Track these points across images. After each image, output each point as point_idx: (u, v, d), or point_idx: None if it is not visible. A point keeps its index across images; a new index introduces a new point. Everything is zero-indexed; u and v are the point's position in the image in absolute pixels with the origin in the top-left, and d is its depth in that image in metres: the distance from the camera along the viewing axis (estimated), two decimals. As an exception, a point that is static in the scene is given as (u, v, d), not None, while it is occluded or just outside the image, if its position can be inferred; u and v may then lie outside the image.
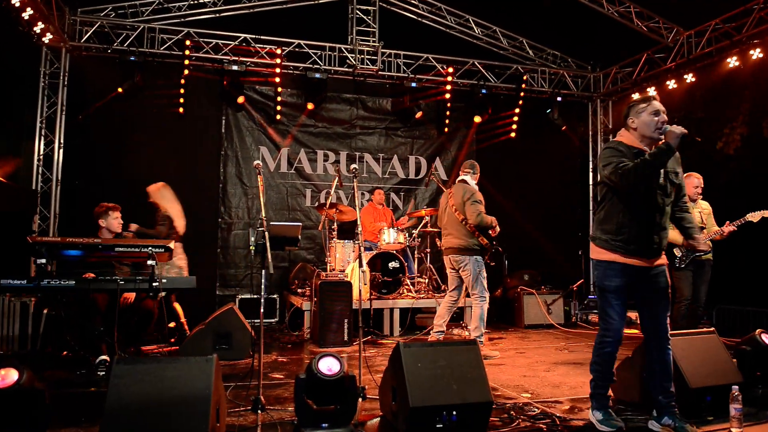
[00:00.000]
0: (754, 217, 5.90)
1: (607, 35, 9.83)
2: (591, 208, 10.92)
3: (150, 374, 2.93)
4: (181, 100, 8.75)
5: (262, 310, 3.76)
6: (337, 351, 5.96)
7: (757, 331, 4.14)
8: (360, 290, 4.32)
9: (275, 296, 8.75)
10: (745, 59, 8.08)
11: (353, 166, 4.71)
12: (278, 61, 8.90)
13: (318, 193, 9.48)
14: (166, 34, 8.81)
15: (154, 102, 8.70)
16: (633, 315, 8.77)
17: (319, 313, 6.55)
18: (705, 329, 4.11)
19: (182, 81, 8.69)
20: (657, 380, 3.45)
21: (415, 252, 8.29)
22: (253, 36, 9.05)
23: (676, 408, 3.43)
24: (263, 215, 3.75)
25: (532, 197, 10.39)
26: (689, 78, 8.97)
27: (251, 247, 3.55)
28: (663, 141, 3.27)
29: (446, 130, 10.06)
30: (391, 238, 7.77)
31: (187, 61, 8.61)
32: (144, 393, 2.86)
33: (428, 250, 8.40)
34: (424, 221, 8.20)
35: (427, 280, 8.13)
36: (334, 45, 9.35)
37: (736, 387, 3.45)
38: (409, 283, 7.84)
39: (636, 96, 9.84)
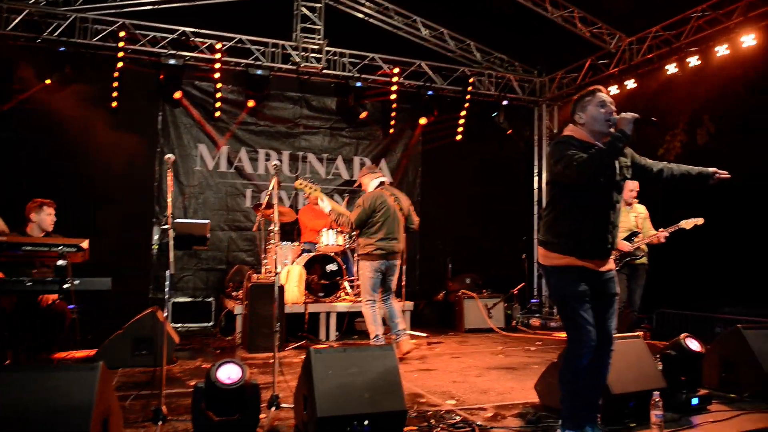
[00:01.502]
0: (687, 224, 5.94)
1: (552, 40, 9.87)
2: (535, 212, 10.95)
3: (29, 384, 2.67)
4: (115, 94, 8.34)
5: (166, 314, 3.48)
6: (266, 357, 5.77)
7: (682, 335, 4.10)
8: (282, 292, 4.11)
9: (211, 299, 8.45)
10: (683, 66, 8.19)
11: (274, 162, 4.47)
12: (218, 56, 8.62)
13: (259, 193, 9.22)
14: (99, 25, 8.41)
15: (85, 95, 8.29)
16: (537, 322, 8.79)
17: (250, 317, 6.30)
18: (630, 334, 4.05)
19: (116, 74, 8.30)
20: (587, 390, 3.30)
21: (355, 254, 8.09)
22: (193, 30, 8.73)
23: (597, 416, 3.33)
24: (169, 213, 3.49)
25: (477, 200, 10.36)
26: (631, 84, 9.06)
27: (154, 246, 3.30)
28: (616, 129, 3.06)
29: (392, 131, 9.94)
30: (330, 240, 7.58)
31: (121, 54, 8.24)
32: (20, 405, 2.60)
33: (369, 252, 8.23)
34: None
35: (366, 283, 7.95)
36: (277, 41, 9.11)
37: (657, 393, 3.39)
38: (347, 286, 7.66)
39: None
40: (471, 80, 10.07)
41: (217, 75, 8.65)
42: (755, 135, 10.36)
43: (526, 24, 9.49)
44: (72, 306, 5.07)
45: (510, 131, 10.56)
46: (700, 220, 5.88)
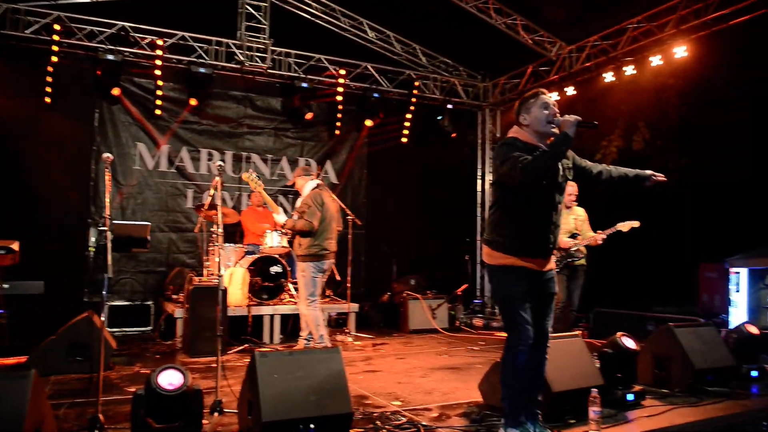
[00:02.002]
0: (623, 227, 6.16)
1: (496, 46, 10.08)
2: (478, 214, 11.14)
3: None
4: (49, 90, 7.98)
5: (103, 318, 3.34)
6: (208, 361, 5.65)
7: (618, 334, 4.25)
8: (225, 295, 4.03)
9: (149, 303, 8.19)
10: (619, 75, 8.51)
11: (218, 162, 4.37)
12: (159, 52, 8.37)
13: (201, 193, 9.01)
14: (33, 17, 8.03)
15: (17, 90, 7.91)
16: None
17: (191, 321, 6.15)
18: (569, 333, 4.17)
19: (50, 69, 7.95)
20: (527, 387, 3.38)
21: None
22: (133, 25, 8.45)
23: (539, 413, 3.41)
24: (107, 214, 3.36)
25: (421, 202, 10.48)
26: (570, 91, 9.33)
27: (90, 248, 3.17)
28: (560, 131, 3.13)
29: (337, 132, 9.91)
30: (274, 241, 7.47)
31: (56, 48, 7.88)
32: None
33: (314, 254, 8.18)
34: (310, 225, 7.95)
35: (312, 286, 7.89)
36: (221, 40, 8.92)
37: (596, 390, 3.51)
38: (291, 288, 7.58)
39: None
40: (416, 84, 10.15)
41: (157, 72, 8.39)
42: (687, 142, 10.88)
43: (471, 30, 9.67)
44: (1, 311, 4.84)
45: (454, 135, 10.70)
46: (636, 223, 6.11)
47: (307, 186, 6.05)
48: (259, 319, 7.16)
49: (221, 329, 3.85)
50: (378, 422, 3.61)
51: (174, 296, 7.43)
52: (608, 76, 8.62)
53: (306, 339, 5.94)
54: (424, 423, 3.61)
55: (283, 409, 3.02)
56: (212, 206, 6.99)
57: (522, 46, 9.48)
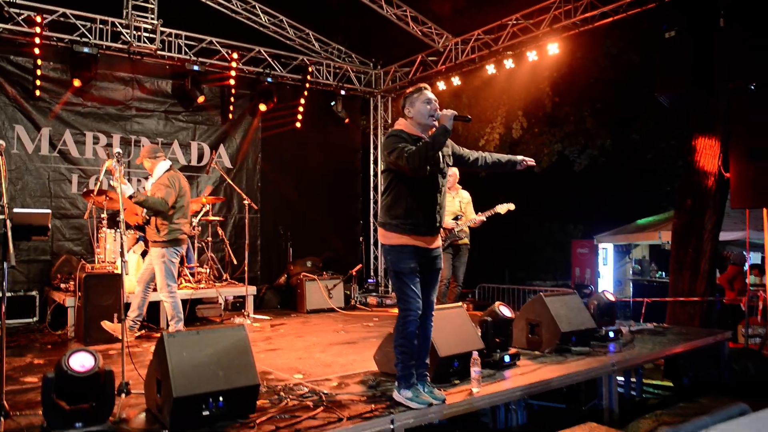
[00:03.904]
0: (501, 208, 6.74)
1: (387, 35, 10.45)
2: (372, 198, 11.56)
3: None
4: None
5: (3, 309, 3.31)
6: (105, 348, 5.60)
7: (496, 303, 4.76)
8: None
9: (34, 293, 7.84)
10: (500, 68, 9.16)
11: (116, 150, 4.38)
12: (38, 30, 7.94)
13: (87, 179, 8.68)
14: None
15: None
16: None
17: (84, 309, 6.03)
18: (454, 304, 4.62)
19: None
20: (416, 352, 3.77)
21: (195, 241, 8.03)
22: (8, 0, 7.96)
23: (428, 376, 3.81)
24: (5, 202, 3.33)
25: (317, 187, 10.70)
26: (456, 81, 9.90)
27: (-11, 237, 3.13)
28: (439, 124, 3.55)
29: (231, 117, 9.87)
30: (169, 226, 7.40)
31: None
32: None
33: (209, 239, 8.21)
34: (204, 210, 7.97)
35: (208, 270, 7.93)
36: (106, 18, 8.58)
37: (476, 353, 3.97)
38: (188, 273, 7.58)
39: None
40: (310, 69, 10.31)
41: (37, 51, 7.97)
42: (558, 129, 11.87)
43: (364, 18, 9.95)
44: None
45: (347, 120, 11.01)
46: (511, 206, 6.71)
47: (159, 167, 5.88)
48: (154, 305, 7.09)
49: (124, 316, 3.91)
50: (282, 393, 3.86)
51: (63, 285, 7.19)
52: (490, 69, 9.25)
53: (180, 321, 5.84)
54: (325, 391, 3.90)
55: (193, 384, 3.19)
56: (101, 192, 6.82)
57: (412, 36, 9.90)
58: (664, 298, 8.50)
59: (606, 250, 15.25)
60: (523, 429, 4.39)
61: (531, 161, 4.16)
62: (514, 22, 8.76)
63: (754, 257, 11.24)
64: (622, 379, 5.69)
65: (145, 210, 5.70)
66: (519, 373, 4.35)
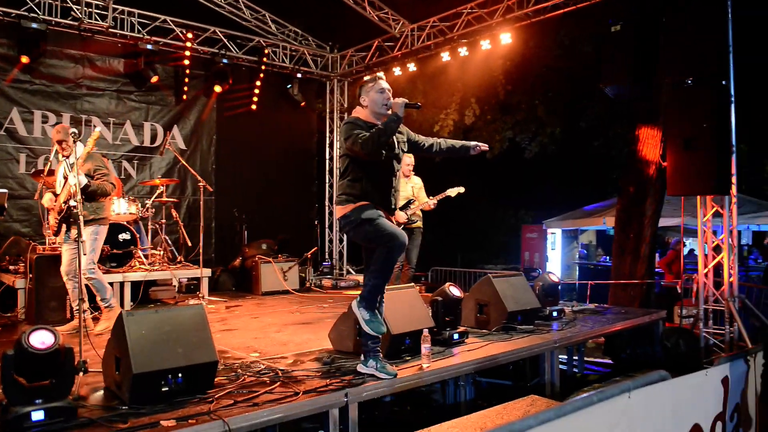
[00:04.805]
0: (452, 192, 6.96)
1: (345, 19, 10.46)
2: (327, 181, 11.65)
3: None
4: None
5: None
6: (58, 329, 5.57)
7: (447, 284, 4.97)
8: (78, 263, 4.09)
9: (-20, 275, 7.66)
10: (455, 55, 9.33)
11: (72, 129, 4.36)
12: (-18, 3, 7.70)
13: (35, 158, 8.50)
14: None
15: None
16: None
17: (36, 291, 5.98)
18: (406, 285, 4.80)
19: None
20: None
21: (149, 223, 7.97)
22: (-52, -31, 7.67)
23: (380, 352, 3.97)
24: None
25: (272, 169, 10.72)
26: (412, 67, 10.03)
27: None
28: (391, 112, 3.74)
29: (185, 97, 9.78)
30: (122, 208, 7.34)
31: None
32: None
33: (163, 221, 8.18)
34: (159, 191, 7.92)
35: (162, 252, 7.91)
36: (55, -7, 8.38)
37: (427, 330, 4.15)
38: (141, 256, 7.54)
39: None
40: (266, 51, 10.28)
41: (-19, 25, 7.74)
42: (510, 117, 12.17)
43: (321, 1, 9.94)
44: None
45: (304, 104, 11.04)
46: (461, 189, 6.93)
47: (78, 147, 5.77)
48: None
49: (82, 294, 3.94)
50: (239, 370, 3.96)
51: (12, 267, 7.06)
52: (445, 56, 9.41)
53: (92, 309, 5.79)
54: (281, 368, 4.02)
55: (152, 361, 3.27)
56: (52, 172, 6.70)
57: (369, 21, 9.97)
58: (608, 281, 8.92)
59: (555, 235, 15.74)
60: (470, 404, 4.62)
61: (484, 146, 4.34)
62: (469, 10, 8.94)
63: (692, 243, 11.86)
64: (565, 357, 6.03)
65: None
66: (467, 349, 4.57)
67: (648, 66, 6.55)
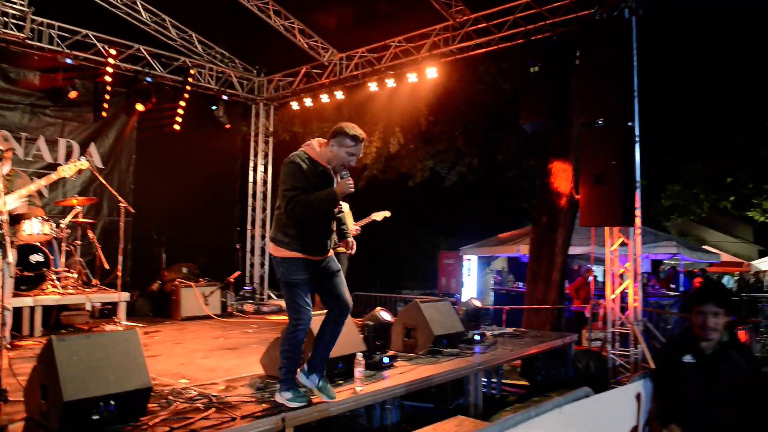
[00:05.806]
0: (377, 216, 7.15)
1: (273, 44, 10.53)
2: (250, 204, 11.56)
3: None
4: None
5: None
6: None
7: (377, 309, 5.12)
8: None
9: None
10: (382, 85, 9.60)
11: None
12: None
13: (-64, 172, 7.92)
14: None
15: None
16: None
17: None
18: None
19: None
20: (324, 344, 3.89)
21: (63, 244, 7.62)
22: None
23: (324, 371, 3.99)
24: None
25: (194, 191, 10.52)
26: (339, 95, 10.21)
27: None
28: (337, 186, 3.67)
29: (104, 114, 9.47)
30: (34, 228, 6.97)
31: None
32: None
33: (78, 242, 7.84)
34: (74, 211, 7.62)
35: (76, 275, 7.57)
36: (-34, 1, 7.96)
37: (360, 354, 4.27)
38: (54, 278, 7.19)
39: (294, 106, 10.78)
40: (192, 71, 10.16)
41: None
42: (431, 146, 12.60)
43: (250, 26, 9.97)
44: None
45: (228, 126, 10.97)
46: (387, 213, 7.15)
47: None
48: (17, 311, 6.66)
49: (3, 318, 3.76)
50: (170, 397, 3.90)
51: None
52: (373, 86, 9.67)
53: None
54: (214, 394, 3.99)
55: (84, 388, 3.17)
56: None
57: (298, 47, 10.09)
58: (521, 305, 9.36)
59: (470, 261, 16.29)
60: (396, 426, 4.74)
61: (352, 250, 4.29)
62: (397, 44, 9.27)
63: (597, 270, 12.64)
64: (485, 379, 6.28)
65: None
66: (397, 372, 4.71)
67: (563, 105, 7.05)
